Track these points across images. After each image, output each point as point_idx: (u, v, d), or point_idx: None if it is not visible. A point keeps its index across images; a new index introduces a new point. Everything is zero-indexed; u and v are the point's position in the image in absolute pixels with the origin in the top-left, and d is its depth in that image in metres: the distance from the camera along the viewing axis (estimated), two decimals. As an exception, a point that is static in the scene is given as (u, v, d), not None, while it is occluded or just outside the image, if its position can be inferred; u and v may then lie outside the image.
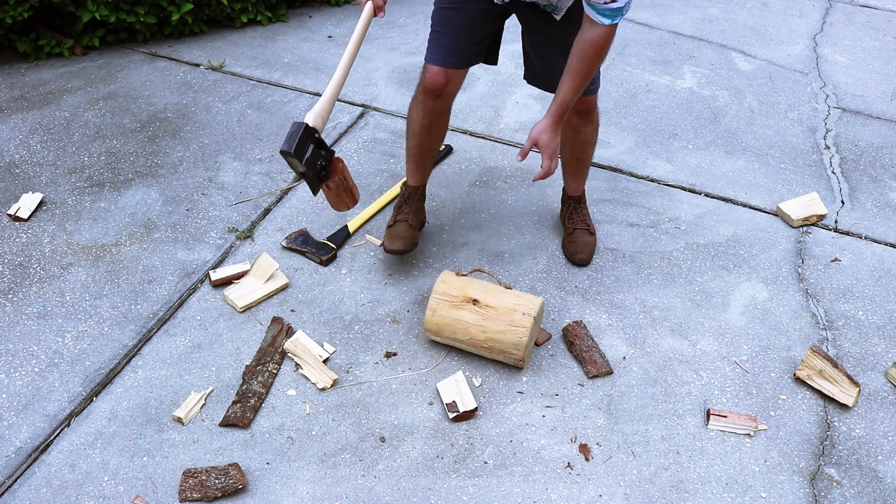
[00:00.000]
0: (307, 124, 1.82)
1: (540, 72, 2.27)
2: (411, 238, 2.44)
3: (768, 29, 4.39)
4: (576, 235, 2.58)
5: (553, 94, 2.07)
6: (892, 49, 4.26)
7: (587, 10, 1.86)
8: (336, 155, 2.00)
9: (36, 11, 3.51)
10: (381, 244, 2.55)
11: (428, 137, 2.37)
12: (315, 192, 1.96)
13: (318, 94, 3.44)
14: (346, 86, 3.49)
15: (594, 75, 2.06)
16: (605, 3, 1.80)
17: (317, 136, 1.87)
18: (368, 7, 2.06)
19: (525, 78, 2.36)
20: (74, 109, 3.22)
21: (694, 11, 4.55)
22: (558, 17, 2.05)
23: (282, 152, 1.79)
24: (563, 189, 2.66)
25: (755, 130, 3.39)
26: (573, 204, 2.63)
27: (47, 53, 3.58)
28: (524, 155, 2.03)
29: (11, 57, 3.58)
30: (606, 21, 1.84)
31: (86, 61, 3.58)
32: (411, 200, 2.52)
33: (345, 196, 2.04)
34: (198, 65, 3.61)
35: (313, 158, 1.86)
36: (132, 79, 3.46)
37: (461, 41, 2.17)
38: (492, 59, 2.31)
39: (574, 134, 2.38)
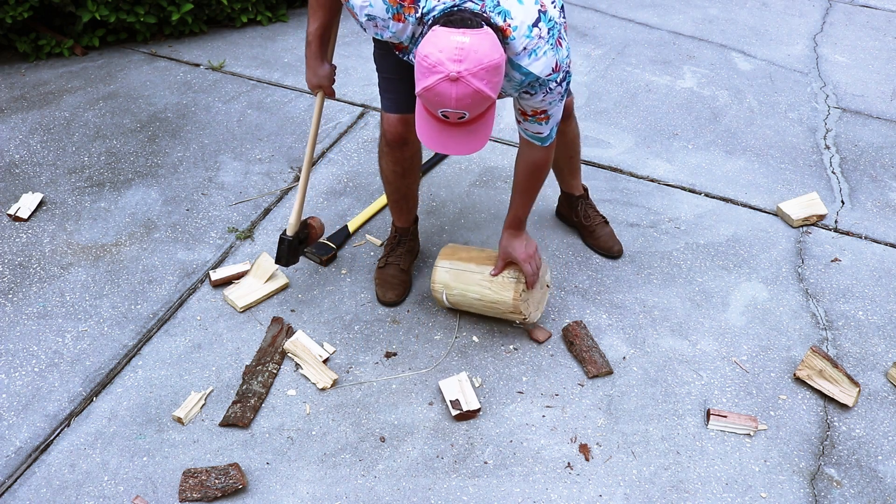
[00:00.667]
0: (289, 239, 2.25)
1: None
2: (403, 285, 2.39)
3: (768, 29, 4.39)
4: (598, 230, 2.60)
5: None
6: (892, 49, 4.26)
7: (521, 133, 1.94)
8: (310, 217, 2.34)
9: (36, 11, 3.51)
10: (374, 285, 2.46)
11: (403, 182, 2.28)
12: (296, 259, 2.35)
13: (318, 94, 3.44)
14: (346, 86, 3.49)
15: (542, 184, 2.10)
16: (535, 132, 1.89)
17: (300, 237, 2.28)
18: (320, 96, 2.19)
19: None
20: (74, 109, 3.22)
21: (694, 11, 4.55)
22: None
23: (276, 262, 2.31)
24: (565, 193, 2.65)
25: (755, 130, 3.39)
26: (582, 202, 2.63)
27: (47, 53, 3.58)
28: (499, 271, 2.12)
29: (11, 57, 3.58)
30: (540, 144, 1.92)
31: (86, 61, 3.58)
32: (403, 242, 2.44)
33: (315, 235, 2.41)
34: (198, 65, 3.61)
35: (301, 252, 2.34)
36: (132, 79, 3.46)
37: (406, 85, 2.03)
38: None
39: (561, 137, 2.32)
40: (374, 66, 2.10)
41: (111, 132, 3.09)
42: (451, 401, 2.04)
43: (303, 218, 2.30)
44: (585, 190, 2.65)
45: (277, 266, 2.39)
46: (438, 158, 3.03)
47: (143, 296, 2.36)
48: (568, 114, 2.34)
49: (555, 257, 2.60)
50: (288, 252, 2.26)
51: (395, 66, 2.00)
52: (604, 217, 2.64)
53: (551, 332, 2.31)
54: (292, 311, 2.34)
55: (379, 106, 3.37)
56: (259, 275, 2.38)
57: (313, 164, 2.94)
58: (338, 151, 3.07)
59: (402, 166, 2.21)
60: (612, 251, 2.58)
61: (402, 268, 2.40)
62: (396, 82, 2.06)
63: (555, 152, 2.39)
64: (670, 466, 1.97)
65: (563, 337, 2.29)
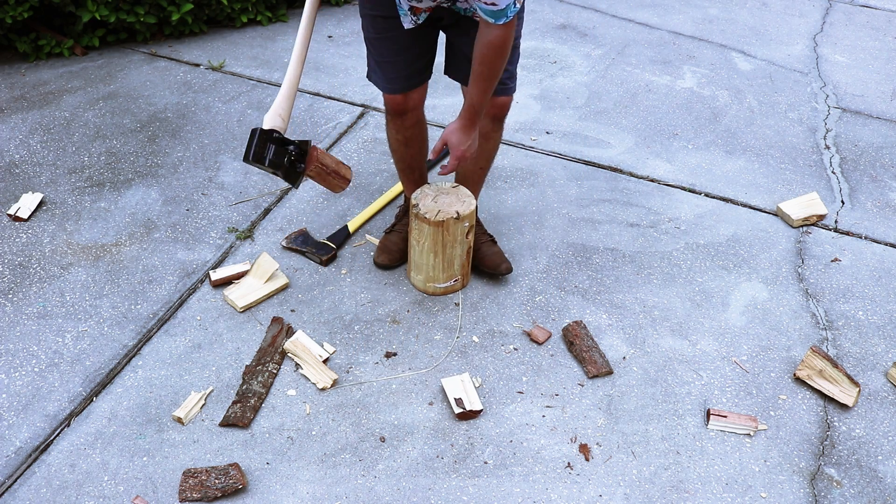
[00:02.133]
0: (261, 129, 1.90)
1: (453, 62, 2.20)
2: (400, 252, 2.47)
3: (768, 29, 4.38)
4: (484, 249, 2.47)
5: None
6: (892, 49, 4.26)
7: (478, 10, 1.81)
8: (312, 144, 2.02)
9: (36, 11, 3.51)
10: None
11: (408, 151, 2.37)
12: (296, 186, 2.02)
13: (318, 94, 3.44)
14: (346, 86, 3.49)
15: (502, 75, 1.99)
16: (487, 3, 1.75)
17: (276, 135, 1.92)
18: None
19: (444, 71, 2.26)
20: (74, 109, 3.22)
21: (694, 11, 4.55)
22: (478, 19, 1.92)
23: (244, 160, 1.88)
24: None
25: (755, 130, 3.39)
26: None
27: (47, 53, 3.58)
28: (436, 153, 2.03)
29: (11, 57, 3.58)
30: (494, 21, 1.79)
31: (86, 61, 3.58)
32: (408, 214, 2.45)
33: (333, 179, 2.09)
34: (198, 65, 3.61)
35: (277, 158, 1.92)
36: (132, 79, 3.46)
37: (399, 67, 2.13)
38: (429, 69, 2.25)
39: (483, 141, 2.23)
40: (366, 51, 2.16)
41: (111, 132, 3.09)
42: (455, 398, 2.04)
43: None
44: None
45: (277, 266, 2.39)
46: (439, 158, 3.03)
47: (143, 296, 2.36)
48: (503, 114, 2.23)
49: (555, 257, 2.60)
50: (257, 145, 1.88)
51: (389, 48, 2.08)
52: (491, 236, 2.53)
53: (551, 332, 2.31)
54: (292, 311, 2.34)
55: (379, 106, 3.39)
56: (259, 275, 2.38)
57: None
58: (337, 151, 3.07)
59: (405, 135, 2.30)
60: (499, 269, 2.43)
61: (405, 236, 2.47)
62: (390, 65, 2.12)
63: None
64: (670, 466, 1.97)
65: (563, 337, 2.29)
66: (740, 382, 2.20)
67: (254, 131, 1.89)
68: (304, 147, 1.99)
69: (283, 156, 1.94)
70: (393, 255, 2.48)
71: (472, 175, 2.40)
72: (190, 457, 1.92)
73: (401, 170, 2.47)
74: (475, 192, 2.45)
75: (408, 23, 1.97)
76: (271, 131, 1.92)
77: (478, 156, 2.27)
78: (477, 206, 2.40)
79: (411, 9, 1.94)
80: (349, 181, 2.13)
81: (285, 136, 1.96)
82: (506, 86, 2.15)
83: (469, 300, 2.41)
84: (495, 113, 2.21)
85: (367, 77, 2.24)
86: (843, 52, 4.18)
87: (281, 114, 1.96)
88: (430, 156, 2.02)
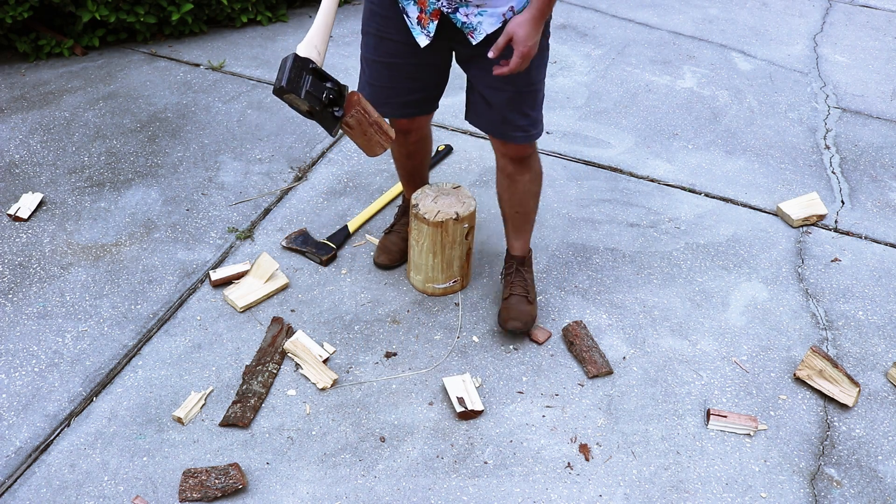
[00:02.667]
0: (296, 54, 1.61)
1: (473, 108, 2.04)
2: (400, 252, 2.46)
3: (768, 29, 4.39)
4: (511, 301, 2.26)
5: (490, 135, 2.03)
6: (892, 49, 4.26)
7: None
8: (351, 90, 1.76)
9: (36, 11, 3.51)
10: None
11: (409, 162, 2.35)
12: (333, 132, 1.71)
13: (318, 94, 3.43)
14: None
15: (522, 122, 1.93)
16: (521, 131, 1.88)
17: (312, 66, 1.64)
18: None
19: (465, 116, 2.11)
20: (74, 109, 3.22)
21: (694, 11, 4.55)
22: (474, 41, 1.82)
23: (276, 92, 1.54)
24: (507, 249, 2.36)
25: (755, 130, 3.39)
26: (515, 266, 2.31)
27: (47, 53, 3.58)
28: (498, 50, 1.68)
29: (11, 57, 3.58)
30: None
31: (86, 61, 3.58)
32: (409, 212, 2.39)
33: (373, 133, 1.76)
34: (198, 65, 3.61)
35: (315, 91, 1.62)
36: (132, 79, 3.46)
37: (397, 93, 2.02)
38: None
39: (510, 183, 2.13)
40: (364, 77, 2.03)
41: (111, 132, 3.09)
42: (457, 397, 2.04)
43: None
44: (528, 256, 2.34)
45: (277, 266, 2.39)
46: (440, 157, 3.03)
47: (143, 296, 2.36)
48: (525, 156, 2.07)
49: (555, 257, 2.60)
50: (291, 71, 1.58)
51: (389, 75, 1.98)
52: (528, 294, 2.28)
53: (551, 332, 2.31)
54: (292, 311, 2.34)
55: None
56: (259, 275, 2.38)
57: (313, 163, 2.93)
58: (338, 151, 3.07)
59: (408, 149, 2.29)
60: (505, 324, 2.22)
61: (404, 237, 2.46)
62: (388, 91, 2.02)
63: (500, 202, 2.24)
64: (670, 466, 1.97)
65: (563, 337, 2.29)
66: (740, 382, 2.20)
67: (286, 58, 1.58)
68: (343, 89, 1.72)
69: (322, 91, 1.65)
70: (393, 256, 2.47)
71: (512, 222, 2.25)
72: (190, 457, 1.92)
73: (402, 175, 2.46)
74: (523, 240, 2.29)
75: (423, 40, 1.85)
76: (307, 60, 1.63)
77: (510, 200, 2.18)
78: (530, 252, 2.33)
79: (418, 20, 1.83)
80: (392, 140, 1.80)
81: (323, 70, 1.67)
82: (527, 133, 1.99)
83: (469, 300, 2.41)
84: (513, 155, 2.06)
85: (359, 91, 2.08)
86: (843, 52, 4.18)
87: (317, 45, 1.68)
88: (491, 53, 1.67)
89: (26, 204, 2.65)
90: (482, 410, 2.06)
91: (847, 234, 2.81)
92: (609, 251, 2.64)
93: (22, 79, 3.42)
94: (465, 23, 1.79)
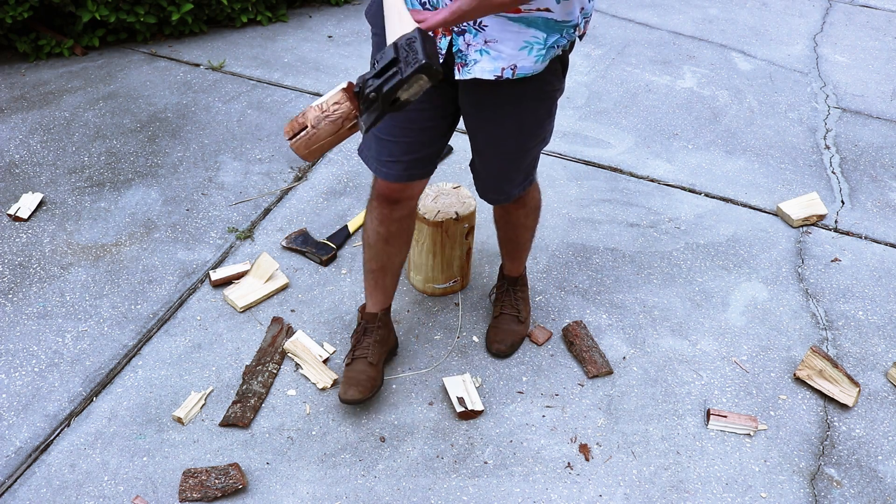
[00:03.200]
0: (419, 29, 1.29)
1: (478, 172, 1.87)
2: (370, 382, 2.01)
3: (768, 29, 4.39)
4: (501, 321, 2.21)
5: (495, 205, 1.92)
6: (892, 49, 4.26)
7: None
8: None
9: (36, 11, 3.51)
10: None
11: (386, 249, 1.95)
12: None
13: (319, 94, 3.44)
14: (346, 86, 3.49)
15: (518, 179, 1.78)
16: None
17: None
18: None
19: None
20: (74, 109, 3.22)
21: (694, 11, 4.55)
22: (458, 75, 1.54)
23: (422, 68, 1.22)
24: (501, 266, 2.29)
25: (755, 130, 3.39)
26: (507, 285, 2.26)
27: (47, 53, 3.58)
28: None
29: (11, 57, 3.58)
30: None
31: (86, 61, 3.58)
32: (370, 331, 2.07)
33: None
34: (198, 65, 3.61)
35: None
36: (132, 79, 3.46)
37: (405, 148, 1.73)
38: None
39: (503, 213, 2.04)
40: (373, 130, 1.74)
41: (111, 132, 3.09)
42: (458, 397, 2.04)
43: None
44: (521, 276, 2.27)
45: (277, 266, 2.39)
46: (443, 156, 3.03)
47: (143, 296, 2.36)
48: (522, 197, 1.94)
49: (555, 257, 2.60)
50: (431, 47, 1.26)
51: (392, 124, 1.70)
52: (519, 313, 2.22)
53: (551, 332, 2.31)
54: (292, 311, 2.34)
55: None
56: (259, 275, 2.38)
57: (314, 163, 2.93)
58: (338, 151, 3.07)
59: (389, 229, 1.90)
60: (490, 346, 2.18)
61: (371, 361, 2.03)
62: (393, 145, 1.73)
63: (497, 227, 2.10)
64: (670, 466, 1.97)
65: (563, 337, 2.29)
66: (740, 382, 2.20)
67: (410, 38, 1.27)
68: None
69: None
70: (363, 387, 1.99)
71: (506, 248, 2.18)
72: (190, 457, 1.92)
73: (370, 271, 2.02)
74: (517, 263, 2.22)
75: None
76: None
77: (505, 229, 2.09)
78: (524, 272, 2.28)
79: None
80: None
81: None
82: (520, 187, 1.89)
83: (469, 300, 2.41)
84: (511, 207, 1.97)
85: (358, 153, 1.84)
86: (843, 52, 4.18)
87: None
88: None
89: (26, 204, 2.65)
90: (482, 410, 2.06)
91: (847, 234, 2.81)
92: (609, 251, 2.64)
93: (22, 79, 3.42)
94: (460, 51, 1.52)
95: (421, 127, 1.71)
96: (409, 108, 1.53)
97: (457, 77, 1.55)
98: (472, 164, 1.90)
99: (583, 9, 1.53)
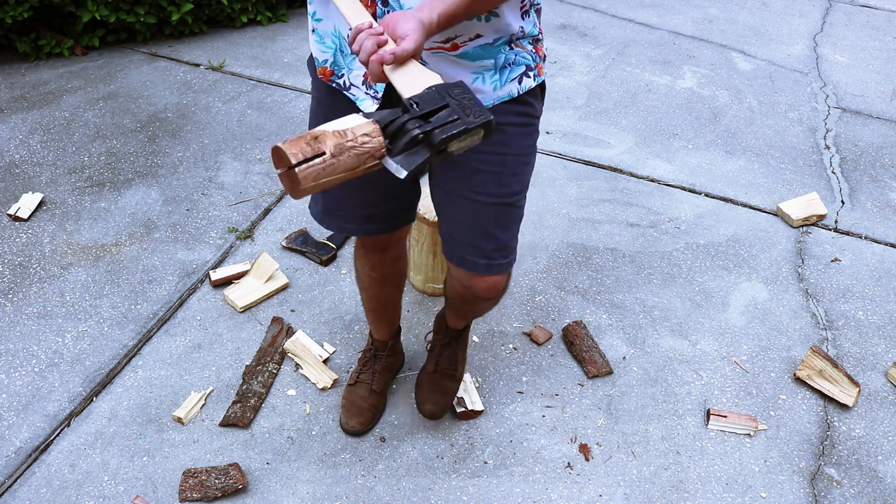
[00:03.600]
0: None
1: (449, 236, 1.55)
2: (372, 410, 1.98)
3: (768, 29, 4.38)
4: (434, 378, 1.99)
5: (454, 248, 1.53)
6: (892, 49, 4.26)
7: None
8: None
9: (36, 11, 3.51)
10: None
11: (383, 290, 1.85)
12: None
13: (318, 94, 3.44)
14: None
15: (491, 246, 1.49)
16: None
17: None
18: None
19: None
20: (74, 109, 3.22)
21: (694, 11, 4.55)
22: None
23: (488, 124, 1.11)
24: (443, 314, 1.99)
25: (755, 130, 3.39)
26: (448, 338, 2.00)
27: (47, 53, 3.58)
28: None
29: (11, 57, 3.58)
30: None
31: (86, 61, 3.58)
32: (379, 357, 2.02)
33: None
34: (198, 65, 3.61)
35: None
36: (132, 79, 3.46)
37: (380, 201, 1.56)
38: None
39: (465, 294, 1.68)
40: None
41: (111, 132, 3.09)
42: (458, 397, 2.04)
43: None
44: (465, 329, 2.01)
45: (277, 266, 2.39)
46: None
47: (143, 296, 2.36)
48: (488, 295, 1.62)
49: (555, 257, 2.60)
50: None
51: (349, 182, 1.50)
52: (455, 371, 2.00)
53: (551, 333, 2.31)
54: (292, 311, 2.34)
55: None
56: (259, 275, 2.38)
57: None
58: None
59: (382, 272, 1.80)
60: (421, 406, 1.98)
61: (375, 388, 2.00)
62: (360, 196, 1.54)
63: (448, 291, 1.78)
64: (670, 466, 1.97)
65: (563, 337, 2.29)
66: (740, 382, 2.20)
67: (464, 87, 1.14)
68: None
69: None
70: (365, 417, 1.97)
71: (457, 311, 1.87)
72: (190, 457, 1.92)
73: (370, 309, 1.95)
74: (461, 320, 1.93)
75: (368, 103, 1.36)
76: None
77: (460, 307, 1.80)
78: (468, 326, 2.01)
79: (364, 78, 1.35)
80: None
81: None
82: (491, 261, 1.52)
83: (469, 300, 2.41)
84: (478, 288, 1.58)
85: (309, 209, 1.63)
86: (843, 52, 4.18)
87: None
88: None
89: (26, 204, 2.65)
90: (482, 410, 2.06)
91: (847, 234, 2.81)
92: (609, 251, 2.64)
93: (22, 79, 3.42)
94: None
95: (375, 180, 1.43)
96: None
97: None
98: (440, 229, 1.60)
99: (523, 23, 1.34)
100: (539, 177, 2.98)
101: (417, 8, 1.16)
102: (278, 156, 1.02)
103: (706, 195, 2.96)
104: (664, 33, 4.24)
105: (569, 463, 1.96)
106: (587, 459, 1.97)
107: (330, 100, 1.46)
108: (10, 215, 2.61)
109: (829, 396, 2.15)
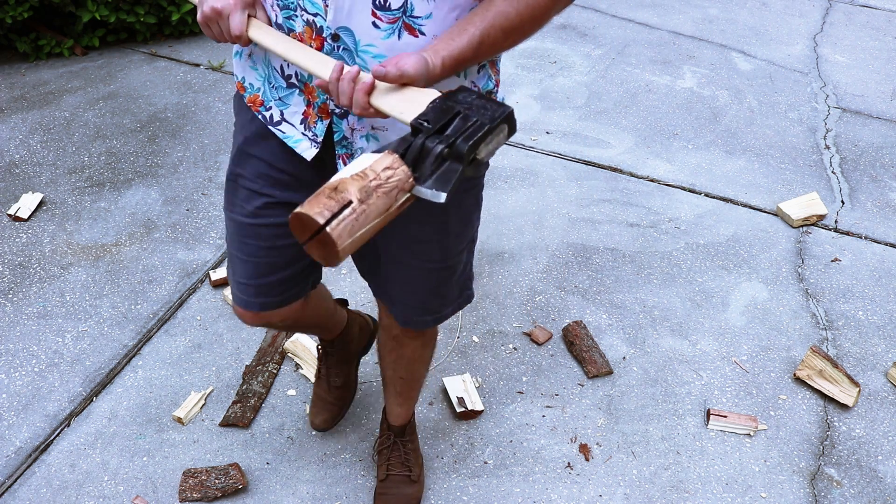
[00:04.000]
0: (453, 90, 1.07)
1: (393, 296, 1.47)
2: (336, 405, 1.90)
3: (768, 29, 4.38)
4: (389, 485, 1.81)
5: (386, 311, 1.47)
6: (892, 49, 4.26)
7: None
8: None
9: (36, 11, 3.51)
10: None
11: (297, 328, 1.71)
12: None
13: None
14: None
15: (435, 303, 1.41)
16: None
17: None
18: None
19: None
20: (74, 109, 3.22)
21: (694, 11, 4.55)
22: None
23: (510, 115, 1.03)
24: (383, 412, 1.88)
25: (755, 130, 3.39)
26: (393, 437, 1.85)
27: (47, 53, 3.58)
28: (381, 75, 1.03)
29: (11, 57, 3.58)
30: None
31: (86, 61, 3.58)
32: (331, 353, 1.89)
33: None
34: (198, 65, 3.61)
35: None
36: (132, 79, 3.46)
37: (255, 272, 1.39)
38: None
39: (395, 345, 1.62)
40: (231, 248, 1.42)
41: (111, 132, 3.09)
42: (458, 397, 2.04)
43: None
44: (409, 423, 1.87)
45: None
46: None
47: (143, 296, 2.36)
48: (420, 335, 1.58)
49: (555, 257, 2.60)
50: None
51: (241, 238, 1.37)
52: (411, 472, 1.83)
53: (551, 333, 2.31)
54: (292, 311, 2.34)
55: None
56: (259, 275, 2.38)
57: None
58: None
59: (286, 325, 1.58)
60: None
61: (336, 384, 1.89)
62: (241, 264, 1.40)
63: (383, 362, 1.71)
64: (670, 466, 1.97)
65: (563, 337, 2.29)
66: (740, 382, 2.20)
67: (470, 90, 1.06)
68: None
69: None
70: (326, 413, 1.90)
71: (394, 385, 1.74)
72: (190, 457, 1.92)
73: (297, 332, 1.81)
74: (405, 406, 1.81)
75: (309, 149, 1.24)
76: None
77: (396, 362, 1.66)
78: (412, 418, 1.87)
79: (304, 117, 1.24)
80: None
81: None
82: (438, 315, 1.48)
83: (469, 300, 2.41)
84: (415, 334, 1.55)
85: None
86: (843, 52, 4.18)
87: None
88: (373, 74, 1.05)
89: (26, 204, 2.65)
90: (482, 410, 2.06)
91: (847, 234, 2.81)
92: (609, 251, 2.64)
93: (22, 79, 3.42)
94: (345, 138, 1.22)
95: (273, 245, 1.35)
96: (260, 218, 1.32)
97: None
98: (376, 287, 1.51)
99: (476, 77, 1.23)
100: (539, 177, 2.98)
101: (423, 48, 1.08)
102: (300, 223, 0.86)
103: (706, 195, 2.96)
104: (664, 33, 4.24)
105: (569, 463, 1.96)
106: (587, 459, 1.97)
107: (258, 140, 1.30)
108: (10, 215, 2.61)
109: (829, 396, 2.15)
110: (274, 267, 1.38)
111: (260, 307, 1.43)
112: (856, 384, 2.14)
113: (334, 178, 0.91)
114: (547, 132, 3.28)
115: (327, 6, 1.09)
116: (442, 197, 0.94)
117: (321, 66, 1.10)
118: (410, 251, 1.35)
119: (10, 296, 2.34)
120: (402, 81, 1.03)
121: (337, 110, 1.20)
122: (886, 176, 3.15)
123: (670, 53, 4.01)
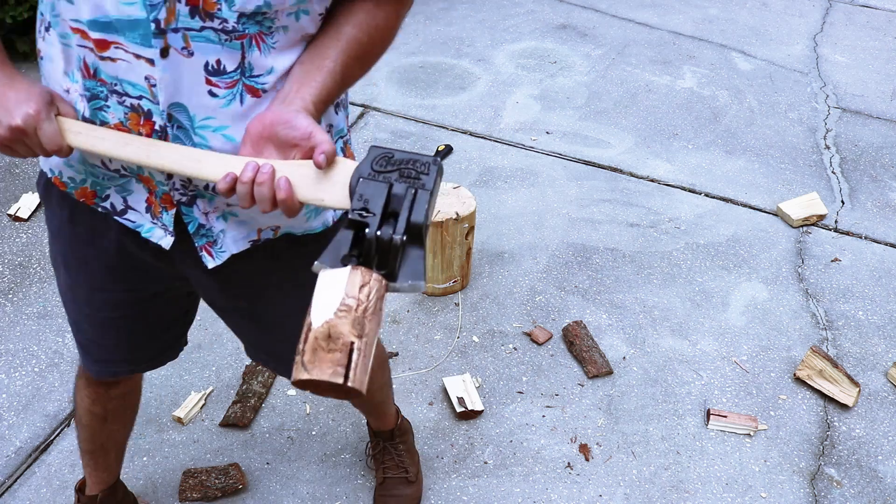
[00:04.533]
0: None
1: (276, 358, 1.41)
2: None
3: (768, 29, 4.39)
4: (387, 488, 1.81)
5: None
6: (892, 49, 4.26)
7: None
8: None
9: (36, 11, 3.51)
10: None
11: (104, 428, 1.51)
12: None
13: (318, 94, 3.43)
14: (346, 86, 3.49)
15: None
16: None
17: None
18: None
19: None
20: (74, 109, 3.22)
21: (694, 11, 4.55)
22: (211, 263, 1.10)
23: (440, 167, 0.93)
24: (366, 422, 1.86)
25: (755, 130, 3.39)
26: (382, 442, 1.83)
27: (47, 53, 3.58)
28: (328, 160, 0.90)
29: (11, 57, 3.57)
30: None
31: (86, 61, 3.58)
32: None
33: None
34: (198, 65, 3.60)
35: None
36: (132, 79, 3.45)
37: (121, 348, 1.33)
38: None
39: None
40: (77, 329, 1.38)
41: (111, 132, 3.09)
42: (458, 397, 2.04)
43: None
44: (395, 427, 1.82)
45: None
46: (443, 155, 3.03)
47: (143, 296, 2.36)
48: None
49: (555, 257, 2.60)
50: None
51: (100, 317, 1.32)
52: (408, 473, 1.82)
53: (551, 333, 2.31)
54: (292, 311, 2.34)
55: (379, 106, 3.38)
56: (259, 275, 2.38)
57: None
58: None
59: (106, 407, 1.47)
60: None
61: None
62: (97, 347, 1.34)
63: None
64: (670, 466, 1.97)
65: (563, 337, 2.29)
66: (740, 382, 2.20)
67: (385, 153, 0.93)
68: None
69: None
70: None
71: (363, 407, 1.74)
72: (190, 457, 1.92)
73: (86, 451, 1.56)
74: (384, 416, 1.78)
75: (164, 238, 1.08)
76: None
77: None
78: (398, 422, 1.83)
79: (148, 205, 1.06)
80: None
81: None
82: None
83: (469, 300, 2.41)
84: None
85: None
86: (843, 52, 4.18)
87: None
88: (317, 160, 0.89)
89: (26, 204, 2.65)
90: (482, 410, 2.06)
91: (847, 234, 2.81)
92: (609, 251, 2.64)
93: (22, 79, 3.42)
94: (202, 226, 1.07)
95: (148, 314, 1.28)
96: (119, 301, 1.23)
97: (211, 266, 1.09)
98: (254, 355, 1.43)
99: (331, 126, 1.11)
100: (539, 177, 2.98)
101: (283, 101, 0.94)
102: (313, 386, 0.80)
103: (706, 195, 2.96)
104: (664, 33, 4.25)
105: (569, 463, 1.96)
106: (587, 459, 1.97)
107: (83, 229, 1.14)
108: (10, 215, 2.61)
109: (829, 396, 2.15)
110: (132, 345, 1.31)
111: (112, 375, 1.38)
112: (856, 384, 2.14)
113: (317, 323, 0.80)
114: (547, 132, 3.28)
115: (153, 85, 0.92)
116: (422, 285, 0.86)
117: (206, 165, 0.92)
118: (282, 337, 1.22)
119: (10, 296, 2.34)
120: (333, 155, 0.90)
121: (183, 199, 1.03)
122: (886, 176, 3.15)
123: (670, 53, 4.01)
